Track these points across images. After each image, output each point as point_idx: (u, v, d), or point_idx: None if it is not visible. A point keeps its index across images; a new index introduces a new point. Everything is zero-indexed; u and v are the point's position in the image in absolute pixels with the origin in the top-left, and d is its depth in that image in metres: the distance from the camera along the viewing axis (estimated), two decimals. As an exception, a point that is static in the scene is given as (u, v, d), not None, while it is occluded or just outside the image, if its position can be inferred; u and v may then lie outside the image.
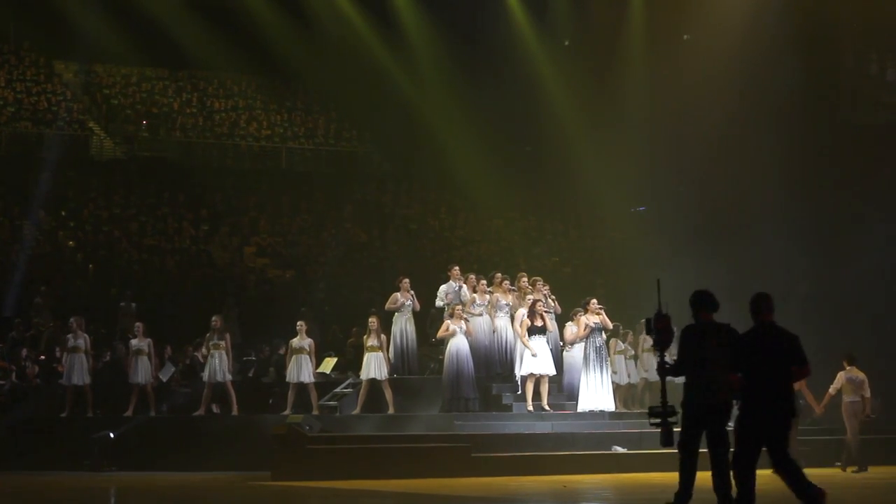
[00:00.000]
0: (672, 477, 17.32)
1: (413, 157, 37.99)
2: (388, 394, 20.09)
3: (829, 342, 22.28)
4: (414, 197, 37.32)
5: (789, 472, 10.14)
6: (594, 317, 20.62)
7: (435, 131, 34.82)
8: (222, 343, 21.01)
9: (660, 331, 10.84)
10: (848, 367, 19.43)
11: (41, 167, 31.22)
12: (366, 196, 36.12)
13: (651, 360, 22.95)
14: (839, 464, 19.61)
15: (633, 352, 22.82)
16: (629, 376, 22.57)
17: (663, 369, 10.82)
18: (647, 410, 11.09)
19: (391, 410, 20.07)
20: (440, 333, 20.26)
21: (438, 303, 20.92)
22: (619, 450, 19.22)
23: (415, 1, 34.94)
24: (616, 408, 21.01)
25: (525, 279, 21.34)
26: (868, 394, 19.35)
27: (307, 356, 20.69)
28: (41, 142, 34.12)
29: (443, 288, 21.08)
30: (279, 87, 40.22)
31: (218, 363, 20.81)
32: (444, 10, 34.06)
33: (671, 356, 11.07)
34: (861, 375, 19.35)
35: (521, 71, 35.24)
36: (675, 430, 10.65)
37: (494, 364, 21.01)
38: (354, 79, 37.06)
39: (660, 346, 10.92)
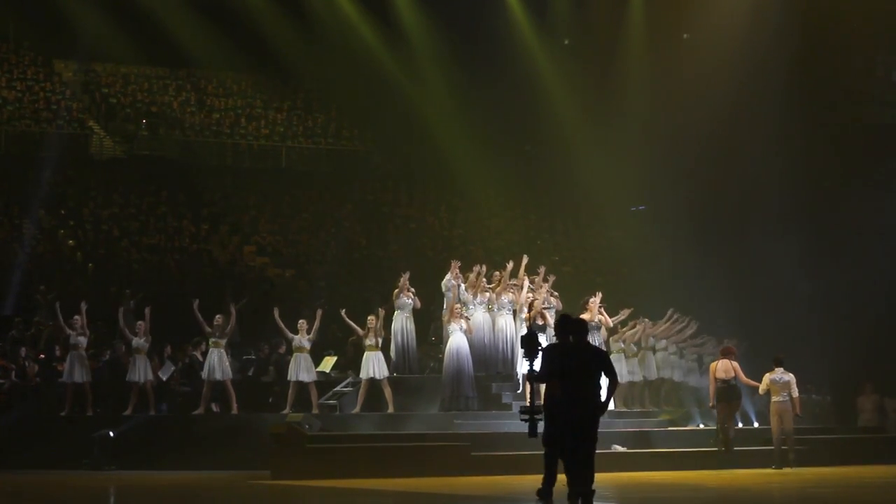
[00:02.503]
0: (671, 476, 17.37)
1: (413, 156, 37.98)
2: (388, 393, 20.07)
3: (829, 341, 22.30)
4: (414, 196, 37.32)
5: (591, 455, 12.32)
6: (594, 315, 20.60)
7: (435, 130, 34.83)
8: (222, 341, 21.01)
9: (528, 345, 12.81)
10: (775, 369, 19.80)
11: (41, 166, 31.22)
12: (365, 195, 36.12)
13: (650, 360, 22.98)
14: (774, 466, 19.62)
15: (633, 350, 22.79)
16: (630, 375, 22.52)
17: (532, 376, 12.81)
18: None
19: (391, 409, 20.05)
20: (447, 316, 20.21)
21: (447, 284, 20.76)
22: (619, 449, 19.22)
23: (415, 0, 34.95)
24: (616, 406, 21.00)
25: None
26: (796, 393, 19.73)
27: (307, 354, 20.69)
28: (41, 141, 34.12)
29: (444, 282, 21.02)
30: (279, 86, 40.22)
31: (217, 361, 20.80)
32: (444, 9, 34.05)
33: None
34: (787, 377, 19.75)
35: (522, 70, 35.24)
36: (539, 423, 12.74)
37: (494, 363, 20.99)
38: (354, 78, 37.05)
39: (529, 358, 12.81)
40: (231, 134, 38.05)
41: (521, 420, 13.01)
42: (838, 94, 32.63)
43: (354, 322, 21.14)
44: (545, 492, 12.62)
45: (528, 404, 13.00)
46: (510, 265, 21.26)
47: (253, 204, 34.26)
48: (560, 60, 35.23)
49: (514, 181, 35.76)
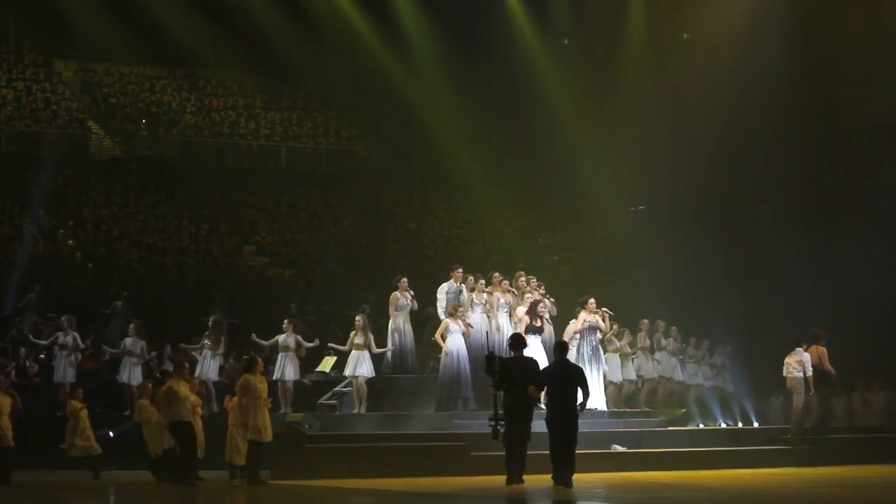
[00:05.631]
0: (671, 475, 17.36)
1: (412, 156, 37.95)
2: (363, 392, 19.93)
3: (834, 339, 22.18)
4: (413, 195, 37.32)
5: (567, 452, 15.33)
6: (591, 315, 20.60)
7: (434, 130, 34.79)
8: (216, 344, 21.10)
9: (489, 364, 15.88)
10: (795, 349, 20.39)
11: (40, 166, 31.22)
12: (365, 195, 36.08)
13: (648, 360, 22.99)
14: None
15: (630, 350, 22.78)
16: (626, 375, 22.49)
17: (495, 388, 15.73)
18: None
19: (361, 410, 19.91)
20: (439, 331, 20.21)
21: (440, 309, 20.77)
22: (619, 448, 19.20)
23: (415, 0, 34.93)
24: (608, 407, 21.00)
25: (522, 278, 21.28)
26: (809, 372, 20.21)
27: (292, 354, 20.71)
28: (40, 141, 34.09)
29: (443, 287, 21.02)
30: (278, 86, 40.18)
31: (210, 364, 20.90)
32: (443, 9, 34.03)
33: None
34: (802, 356, 20.28)
35: (521, 70, 35.21)
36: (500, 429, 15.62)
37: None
38: (354, 77, 37.02)
39: (490, 373, 15.84)
40: (231, 134, 38.03)
41: (489, 426, 15.69)
42: (840, 91, 32.62)
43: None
44: (513, 478, 15.56)
45: (492, 413, 15.71)
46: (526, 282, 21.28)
47: (253, 204, 34.25)
48: (560, 60, 35.20)
49: (514, 181, 35.74)
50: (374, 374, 20.17)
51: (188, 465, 16.77)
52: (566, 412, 15.38)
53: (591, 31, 34.97)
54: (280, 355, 20.72)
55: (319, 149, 38.81)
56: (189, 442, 16.67)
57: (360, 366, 19.93)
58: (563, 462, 15.32)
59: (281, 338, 20.85)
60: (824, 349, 20.48)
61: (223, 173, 35.14)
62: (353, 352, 20.06)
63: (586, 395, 15.65)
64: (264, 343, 21.57)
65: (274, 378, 20.71)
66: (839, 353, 21.22)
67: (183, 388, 16.80)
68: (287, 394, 20.64)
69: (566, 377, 15.56)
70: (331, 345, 21.66)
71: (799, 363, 20.18)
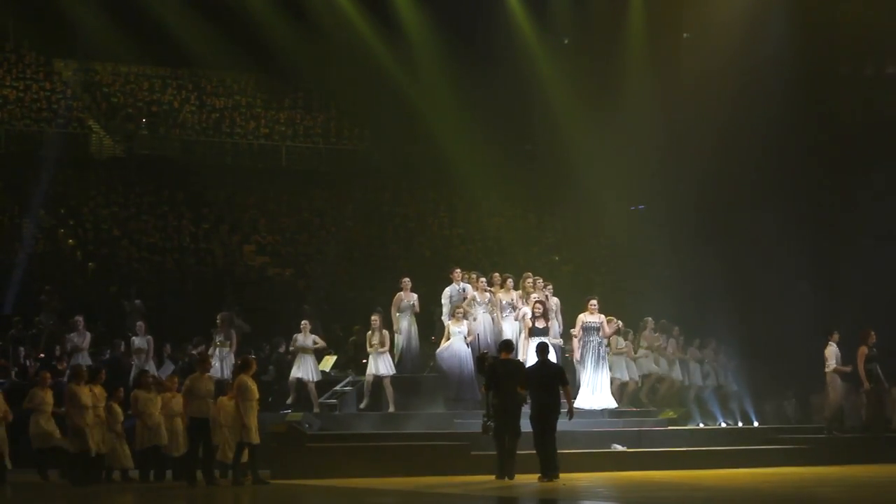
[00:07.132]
0: (671, 475, 17.38)
1: (413, 156, 37.97)
2: (390, 391, 20.09)
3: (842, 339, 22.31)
4: (413, 195, 37.32)
5: (547, 446, 16.42)
6: (592, 316, 20.59)
7: (434, 130, 34.81)
8: (227, 341, 21.12)
9: (479, 364, 17.85)
10: (829, 342, 20.99)
11: (41, 165, 31.23)
12: (365, 194, 36.09)
13: (650, 359, 23.00)
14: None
15: (634, 351, 22.79)
16: (629, 374, 22.49)
17: (486, 388, 17.00)
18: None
19: (392, 409, 20.04)
20: (443, 343, 20.27)
21: (445, 315, 20.79)
22: (619, 448, 19.21)
23: (415, 0, 34.96)
24: (618, 405, 21.01)
25: (530, 279, 21.26)
26: (832, 366, 20.81)
27: (310, 354, 20.74)
28: (41, 140, 34.12)
29: (446, 292, 21.01)
30: (279, 86, 40.20)
31: (224, 361, 20.91)
32: (444, 9, 34.05)
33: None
34: (829, 350, 20.84)
35: (521, 69, 35.23)
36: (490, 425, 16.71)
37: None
38: (354, 77, 37.03)
39: (481, 373, 17.66)
40: (231, 133, 38.04)
41: (482, 422, 16.76)
42: (839, 91, 32.61)
43: (356, 321, 21.11)
44: (503, 473, 16.46)
45: (485, 411, 16.93)
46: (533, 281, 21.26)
47: (253, 203, 34.26)
48: (560, 59, 35.21)
49: (514, 180, 35.74)
50: (393, 372, 20.22)
51: (211, 464, 16.79)
52: (546, 408, 16.46)
53: (591, 31, 34.98)
54: (300, 356, 20.74)
55: (319, 148, 38.82)
56: (208, 440, 16.67)
57: (381, 365, 19.98)
58: (544, 454, 16.29)
59: (299, 337, 20.88)
60: (862, 349, 20.74)
61: (223, 173, 35.16)
62: (372, 351, 20.12)
63: (568, 395, 16.81)
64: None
65: (292, 377, 20.72)
66: (841, 352, 21.28)
67: (207, 384, 16.83)
68: (311, 394, 20.62)
69: (545, 376, 16.71)
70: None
71: (830, 358, 20.69)
